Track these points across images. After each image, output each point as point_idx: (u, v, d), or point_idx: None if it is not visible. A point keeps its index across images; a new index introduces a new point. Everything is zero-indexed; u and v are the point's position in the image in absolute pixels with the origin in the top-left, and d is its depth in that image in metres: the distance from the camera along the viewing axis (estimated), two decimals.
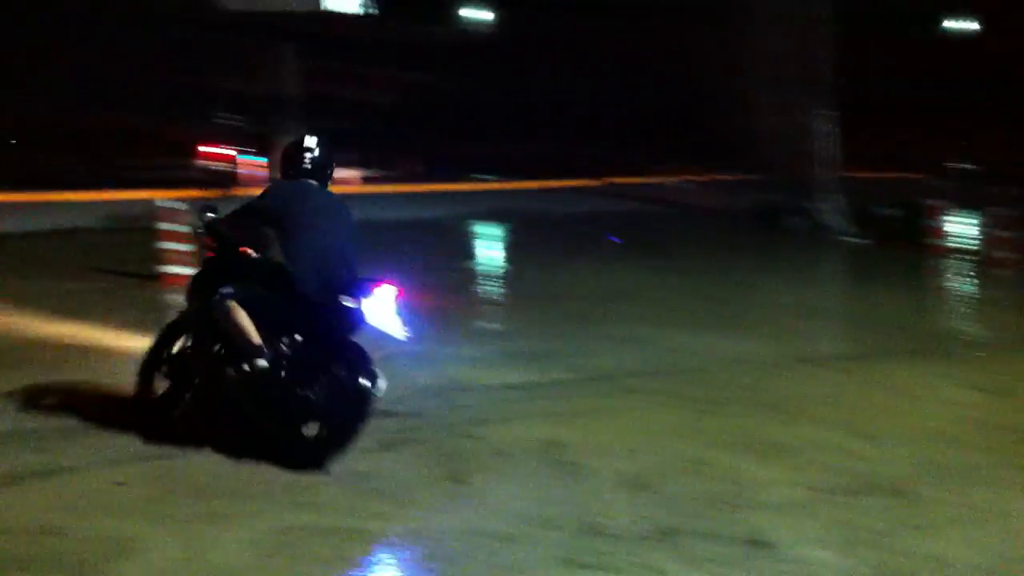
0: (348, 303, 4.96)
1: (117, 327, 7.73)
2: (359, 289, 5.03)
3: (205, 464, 4.97)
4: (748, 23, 27.86)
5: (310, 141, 5.41)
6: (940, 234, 12.66)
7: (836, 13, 26.01)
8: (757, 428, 5.72)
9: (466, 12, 36.54)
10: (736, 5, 28.19)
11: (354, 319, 5.01)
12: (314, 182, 5.35)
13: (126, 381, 5.57)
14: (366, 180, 22.23)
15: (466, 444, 5.39)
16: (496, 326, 8.52)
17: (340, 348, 5.07)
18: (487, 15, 36.64)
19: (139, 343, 7.50)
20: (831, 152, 15.13)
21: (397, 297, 5.10)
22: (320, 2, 26.31)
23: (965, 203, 17.57)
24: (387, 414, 5.86)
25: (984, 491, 4.82)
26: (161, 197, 11.18)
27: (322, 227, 5.18)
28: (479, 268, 11.96)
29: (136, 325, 7.55)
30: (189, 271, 10.21)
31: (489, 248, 14.31)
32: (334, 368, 5.03)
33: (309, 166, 5.36)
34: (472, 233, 15.57)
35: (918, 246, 12.73)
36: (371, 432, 5.50)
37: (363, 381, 4.94)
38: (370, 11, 26.29)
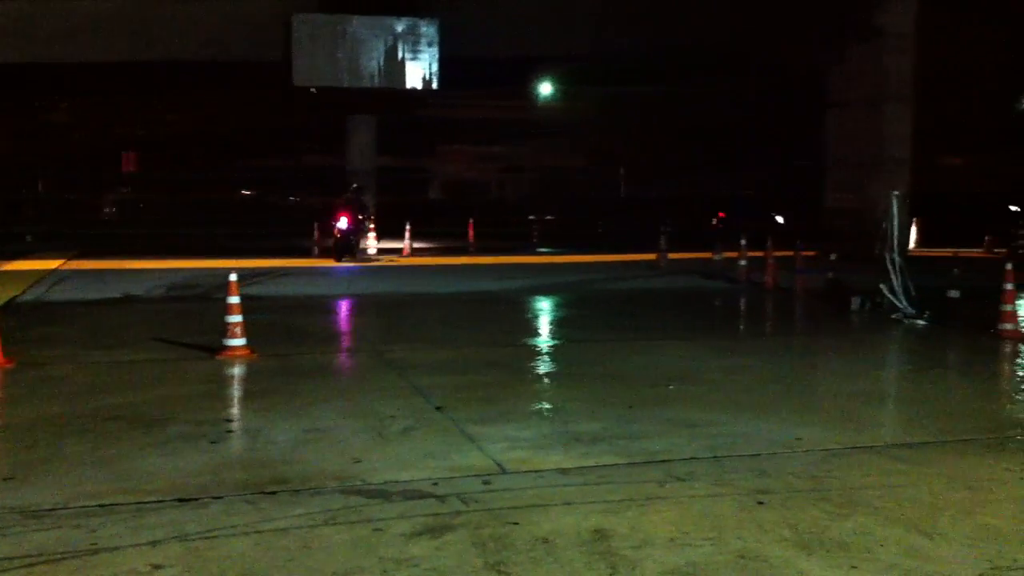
0: None
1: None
2: None
3: (245, 546, 4.90)
4: (825, 103, 27.95)
5: None
6: (1011, 319, 12.30)
7: (916, 93, 25.96)
8: (813, 521, 5.50)
9: (542, 88, 36.92)
10: (815, 87, 28.30)
11: None
12: None
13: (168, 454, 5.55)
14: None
15: (509, 532, 5.25)
16: (548, 406, 8.39)
17: None
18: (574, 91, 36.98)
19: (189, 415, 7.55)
20: (901, 232, 14.86)
21: None
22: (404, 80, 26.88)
23: None
24: (429, 496, 5.79)
25: None
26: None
27: None
28: (531, 343, 11.87)
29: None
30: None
31: (544, 323, 14.23)
32: None
33: None
34: (524, 307, 15.53)
35: (988, 331, 12.38)
36: (411, 515, 5.43)
37: None
38: (432, 87, 26.77)
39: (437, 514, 5.51)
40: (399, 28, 26.61)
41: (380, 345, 11.47)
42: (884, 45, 25.86)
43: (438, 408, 8.11)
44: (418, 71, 26.75)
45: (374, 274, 21.22)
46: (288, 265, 22.66)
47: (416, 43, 26.63)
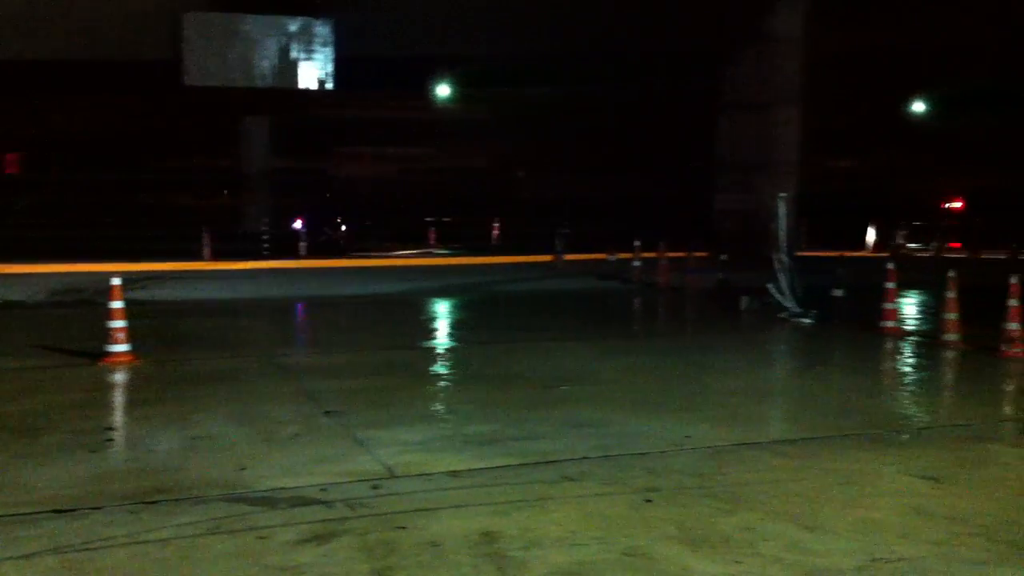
0: None
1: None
2: None
3: (123, 557, 4.74)
4: (714, 107, 28.47)
5: None
6: (892, 316, 12.68)
7: (804, 97, 26.60)
8: (700, 517, 5.57)
9: (440, 89, 36.77)
10: (706, 90, 28.79)
11: None
12: None
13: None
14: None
15: (396, 536, 5.19)
16: (441, 409, 8.35)
17: None
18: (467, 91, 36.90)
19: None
20: (789, 233, 15.20)
21: None
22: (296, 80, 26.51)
23: (917, 285, 17.72)
24: (316, 503, 5.70)
25: None
26: None
27: None
28: (427, 346, 11.81)
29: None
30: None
31: (436, 325, 14.18)
32: None
33: None
34: (421, 309, 15.47)
35: (870, 328, 12.74)
36: (296, 522, 5.34)
37: None
38: (327, 87, 26.47)
39: (324, 520, 5.43)
40: (293, 28, 26.24)
41: (272, 349, 11.28)
42: (773, 49, 26.44)
43: (328, 413, 8.00)
44: (313, 71, 26.41)
45: (269, 277, 20.89)
46: (178, 268, 22.16)
47: (310, 43, 26.29)
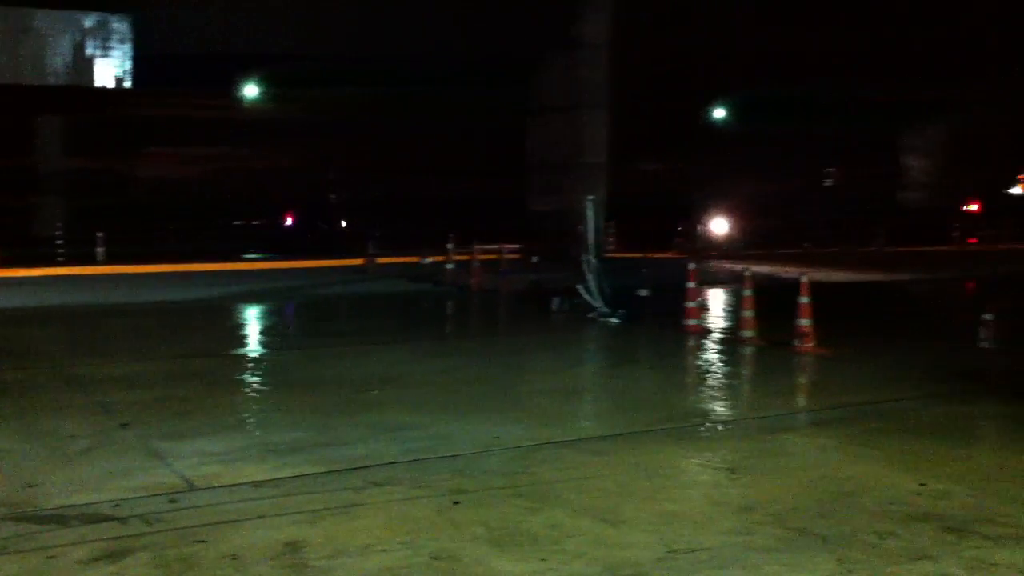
0: None
1: None
2: None
3: None
4: (526, 110, 28.86)
5: None
6: (695, 314, 13.13)
7: (613, 102, 27.25)
8: (507, 517, 5.59)
9: (248, 89, 35.83)
10: (519, 94, 29.14)
11: None
12: None
13: None
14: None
15: (195, 551, 5.00)
16: (245, 417, 8.11)
17: None
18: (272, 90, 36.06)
19: None
20: (597, 234, 15.55)
21: None
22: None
23: (720, 283, 18.46)
24: (110, 519, 5.44)
25: (725, 575, 4.84)
26: None
27: None
28: (233, 353, 11.46)
29: None
30: None
31: (244, 331, 13.81)
32: None
33: None
34: (228, 315, 15.05)
35: (674, 326, 13.16)
36: (88, 540, 5.08)
37: None
38: (125, 84, 25.45)
39: (118, 537, 5.17)
40: (88, 23, 25.06)
41: (63, 360, 10.69)
42: (581, 54, 26.98)
43: (124, 425, 7.64)
44: (110, 69, 25.29)
45: (65, 284, 19.86)
46: None
47: (107, 39, 25.17)
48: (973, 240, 35.35)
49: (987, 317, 10.26)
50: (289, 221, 29.79)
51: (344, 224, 32.25)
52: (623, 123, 29.11)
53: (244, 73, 34.26)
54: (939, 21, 33.41)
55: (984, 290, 10.62)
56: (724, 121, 37.74)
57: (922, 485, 6.29)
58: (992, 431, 8.36)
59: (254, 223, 34.05)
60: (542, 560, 4.97)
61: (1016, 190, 59.74)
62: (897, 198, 43.37)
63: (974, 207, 43.28)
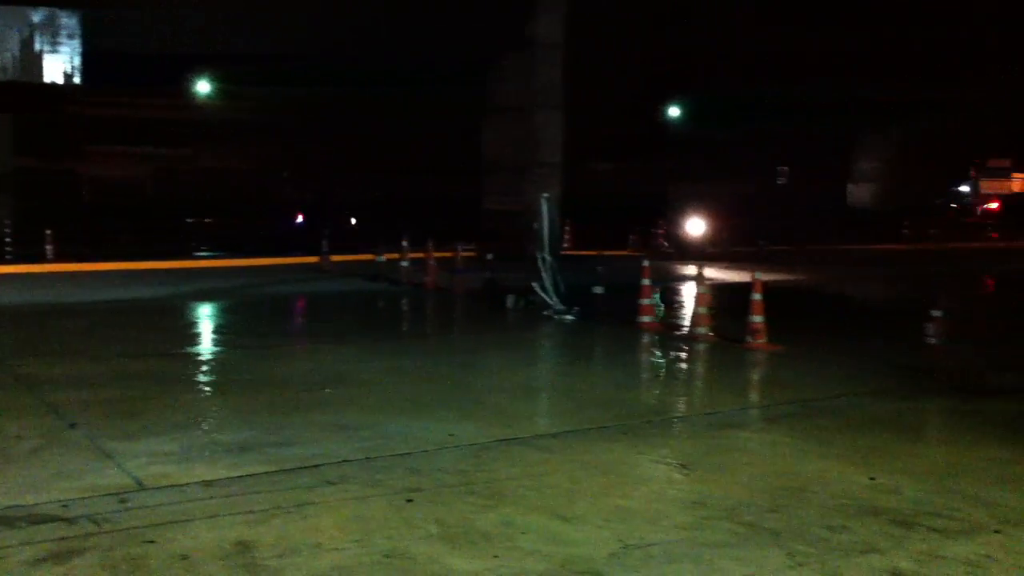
0: None
1: None
2: None
3: None
4: (482, 110, 28.81)
5: None
6: (649, 312, 13.19)
7: (567, 100, 27.32)
8: (461, 515, 5.59)
9: (200, 86, 35.50)
10: (477, 94, 29.07)
11: None
12: None
13: None
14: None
15: (144, 551, 4.94)
16: (196, 417, 8.01)
17: None
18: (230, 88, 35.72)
19: None
20: (552, 233, 15.57)
21: None
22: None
23: (676, 281, 18.56)
24: (57, 519, 5.36)
25: (677, 570, 4.87)
26: None
27: None
28: (185, 352, 11.34)
29: None
30: None
31: (196, 330, 13.67)
32: None
33: None
34: (179, 314, 14.89)
35: (628, 324, 13.21)
36: (35, 541, 5.01)
37: None
38: (75, 81, 25.08)
39: (65, 538, 5.10)
40: (36, 18, 24.65)
41: (10, 360, 10.51)
42: (535, 54, 27.02)
43: (73, 425, 7.53)
44: (58, 65, 24.91)
45: (14, 282, 19.53)
46: None
47: (56, 35, 24.78)
48: (993, 236, 36.70)
49: (936, 314, 10.40)
50: (300, 219, 30.20)
51: (353, 221, 32.46)
52: (579, 122, 29.20)
53: (195, 71, 33.95)
54: (893, 23, 33.85)
55: (931, 288, 10.80)
56: (681, 121, 37.99)
57: (872, 480, 6.37)
58: (940, 426, 8.49)
59: (206, 221, 33.72)
60: (495, 557, 4.97)
61: (964, 188, 60.78)
62: (849, 198, 43.95)
63: (994, 206, 44.94)
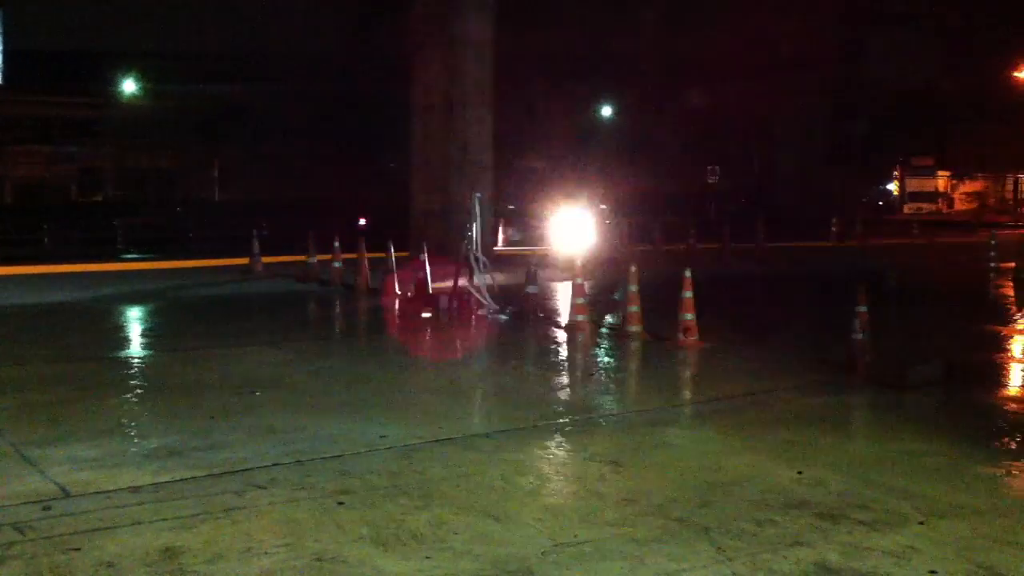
0: None
1: None
2: None
3: None
4: (413, 106, 28.65)
5: None
6: (583, 310, 13.25)
7: (496, 99, 27.30)
8: (391, 517, 5.56)
9: (125, 86, 34.94)
10: (399, 93, 28.92)
11: None
12: None
13: None
14: None
15: (69, 559, 4.84)
16: (123, 422, 7.87)
17: None
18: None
19: None
20: (484, 231, 15.56)
21: None
22: None
23: (609, 279, 18.68)
24: None
25: (608, 567, 4.90)
26: None
27: None
28: (108, 356, 11.12)
29: None
30: None
31: (122, 334, 13.42)
32: None
33: None
34: (105, 318, 14.60)
35: (563, 322, 13.25)
36: None
37: None
38: None
39: None
40: None
41: None
42: (462, 52, 26.95)
43: None
44: None
45: None
46: None
47: None
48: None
49: (861, 309, 10.59)
50: (362, 222, 30.52)
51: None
52: (510, 121, 29.27)
53: (118, 70, 33.38)
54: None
55: (854, 283, 11.03)
56: (610, 120, 38.28)
57: (799, 473, 6.47)
58: (865, 420, 8.67)
59: (131, 222, 33.14)
60: (427, 558, 4.96)
61: (891, 186, 62.00)
62: (776, 197, 44.67)
63: None
